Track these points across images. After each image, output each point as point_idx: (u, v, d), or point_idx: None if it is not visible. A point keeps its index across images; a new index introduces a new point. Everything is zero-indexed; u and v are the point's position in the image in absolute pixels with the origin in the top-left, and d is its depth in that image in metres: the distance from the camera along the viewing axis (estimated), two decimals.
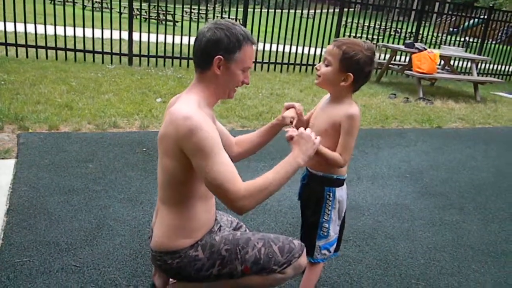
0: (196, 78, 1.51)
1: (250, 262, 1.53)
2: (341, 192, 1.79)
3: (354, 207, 3.14)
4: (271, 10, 8.17)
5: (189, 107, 1.40)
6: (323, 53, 1.79)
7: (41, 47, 7.00)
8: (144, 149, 3.75)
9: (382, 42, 10.52)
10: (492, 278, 2.47)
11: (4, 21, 6.72)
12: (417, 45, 8.31)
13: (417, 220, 3.07)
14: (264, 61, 8.44)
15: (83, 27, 7.11)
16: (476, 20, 11.14)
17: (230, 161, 1.39)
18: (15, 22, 6.68)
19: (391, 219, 3.04)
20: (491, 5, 11.22)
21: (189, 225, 1.50)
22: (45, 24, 6.95)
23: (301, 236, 1.91)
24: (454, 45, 10.76)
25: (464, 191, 3.71)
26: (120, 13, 7.75)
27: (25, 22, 6.77)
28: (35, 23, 6.82)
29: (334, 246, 1.87)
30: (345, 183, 1.82)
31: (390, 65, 8.86)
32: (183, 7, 7.60)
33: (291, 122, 1.73)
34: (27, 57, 6.91)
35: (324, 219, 1.78)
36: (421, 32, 10.17)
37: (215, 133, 1.39)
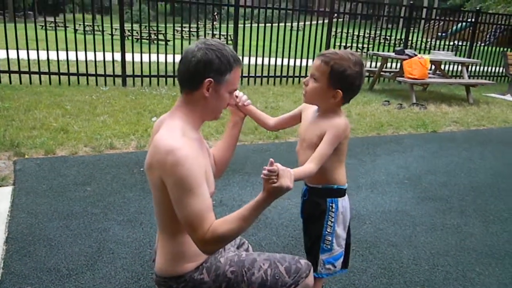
0: (182, 99, 1.46)
1: (257, 284, 1.50)
2: (343, 203, 1.77)
3: (355, 216, 3.14)
4: (261, 25, 8.23)
5: (173, 137, 1.35)
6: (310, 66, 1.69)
7: (35, 72, 7.03)
8: (141, 169, 3.73)
9: (372, 50, 10.62)
10: (497, 280, 2.46)
11: None
12: (407, 51, 8.39)
13: (418, 226, 3.06)
14: (257, 75, 8.49)
15: (76, 50, 7.14)
16: (464, 23, 11.28)
17: (206, 199, 1.34)
18: (7, 48, 6.71)
19: (393, 226, 3.03)
20: (477, 8, 11.34)
21: (190, 251, 1.47)
22: (37, 50, 6.98)
23: (306, 253, 1.87)
24: (443, 50, 10.87)
25: (464, 194, 3.71)
26: (112, 35, 7.79)
27: (17, 49, 6.81)
28: (27, 49, 6.86)
29: (340, 261, 1.82)
30: (346, 194, 1.80)
31: (381, 73, 8.93)
32: (174, 26, 7.65)
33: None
34: (20, 83, 6.93)
35: (327, 232, 1.75)
36: (410, 38, 10.27)
37: (198, 165, 1.35)
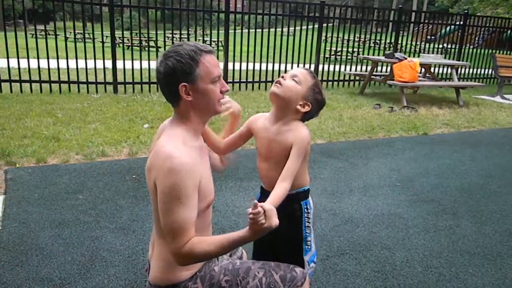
0: (174, 112, 1.46)
1: None
2: (311, 200, 1.82)
3: (348, 219, 3.15)
4: (252, 30, 8.27)
5: (173, 144, 1.36)
6: (290, 69, 1.72)
7: (25, 81, 6.99)
8: (134, 176, 3.72)
9: (362, 54, 10.70)
10: (489, 281, 2.48)
11: None
12: (397, 55, 8.46)
13: (411, 228, 3.08)
14: (248, 80, 8.52)
15: (67, 58, 7.12)
16: (452, 26, 11.40)
17: (192, 211, 1.34)
18: None
19: (386, 229, 3.04)
20: (466, 11, 11.49)
21: None
22: (28, 58, 6.94)
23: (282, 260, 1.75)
24: (433, 53, 10.97)
25: (455, 195, 3.74)
26: (103, 42, 7.78)
27: (7, 57, 6.77)
28: (18, 58, 6.83)
29: (315, 255, 1.87)
30: None
31: (372, 77, 8.99)
32: (164, 33, 7.66)
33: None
34: (11, 92, 6.89)
35: (306, 233, 1.78)
36: (399, 42, 10.36)
37: (193, 177, 1.34)
